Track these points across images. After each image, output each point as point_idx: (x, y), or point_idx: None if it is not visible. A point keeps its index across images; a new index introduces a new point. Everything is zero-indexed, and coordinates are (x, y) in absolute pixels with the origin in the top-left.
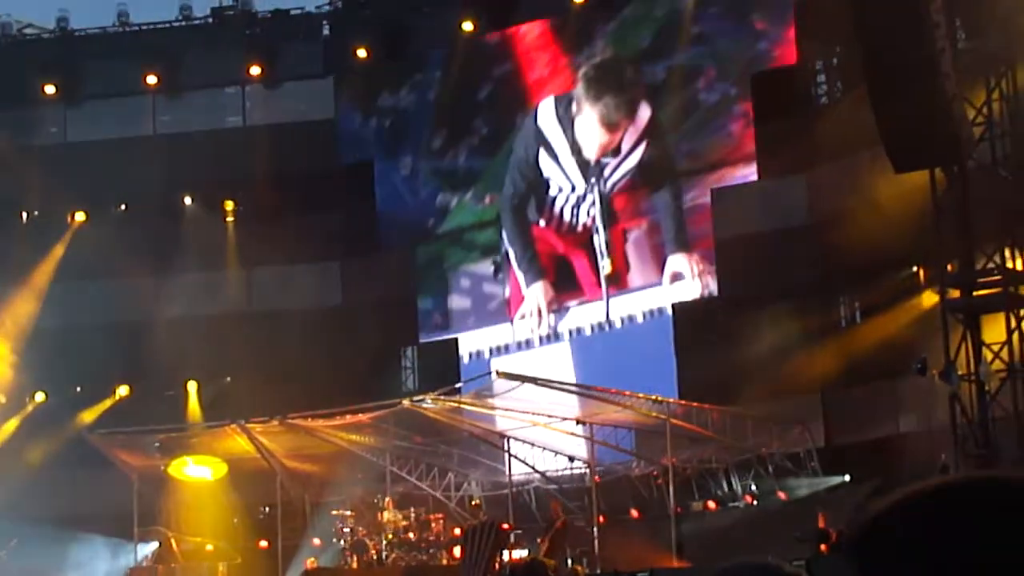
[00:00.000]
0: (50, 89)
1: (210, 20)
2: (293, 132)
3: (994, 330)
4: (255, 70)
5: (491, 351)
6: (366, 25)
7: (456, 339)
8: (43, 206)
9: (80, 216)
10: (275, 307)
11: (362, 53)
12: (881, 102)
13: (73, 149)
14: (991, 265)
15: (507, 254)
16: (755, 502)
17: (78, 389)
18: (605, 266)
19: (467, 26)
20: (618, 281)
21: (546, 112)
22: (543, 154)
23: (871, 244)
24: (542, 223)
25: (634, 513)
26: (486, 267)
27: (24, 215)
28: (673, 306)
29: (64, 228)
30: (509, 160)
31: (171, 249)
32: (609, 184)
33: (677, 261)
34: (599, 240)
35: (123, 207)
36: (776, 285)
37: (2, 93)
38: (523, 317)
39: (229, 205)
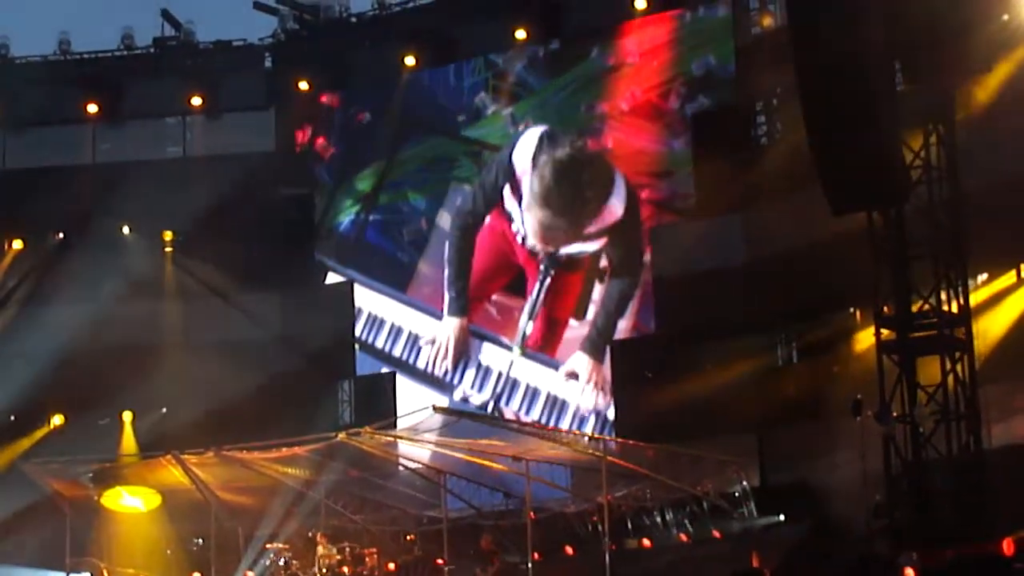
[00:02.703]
0: None
1: (152, 50)
2: (234, 163)
3: (929, 372)
4: (196, 101)
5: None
6: (308, 57)
7: (394, 373)
8: None
9: (17, 244)
10: (213, 338)
11: (304, 85)
12: (820, 144)
13: (11, 176)
14: (927, 307)
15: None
16: (690, 540)
17: (11, 418)
18: (524, 325)
19: (409, 60)
20: (550, 333)
21: (525, 148)
22: (508, 192)
23: (808, 284)
24: (513, 228)
25: (569, 550)
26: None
27: None
28: (612, 342)
29: (1, 256)
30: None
31: (108, 278)
32: (564, 254)
33: (580, 361)
34: (532, 297)
35: (61, 235)
36: (713, 323)
37: None
38: (431, 342)
39: (168, 235)
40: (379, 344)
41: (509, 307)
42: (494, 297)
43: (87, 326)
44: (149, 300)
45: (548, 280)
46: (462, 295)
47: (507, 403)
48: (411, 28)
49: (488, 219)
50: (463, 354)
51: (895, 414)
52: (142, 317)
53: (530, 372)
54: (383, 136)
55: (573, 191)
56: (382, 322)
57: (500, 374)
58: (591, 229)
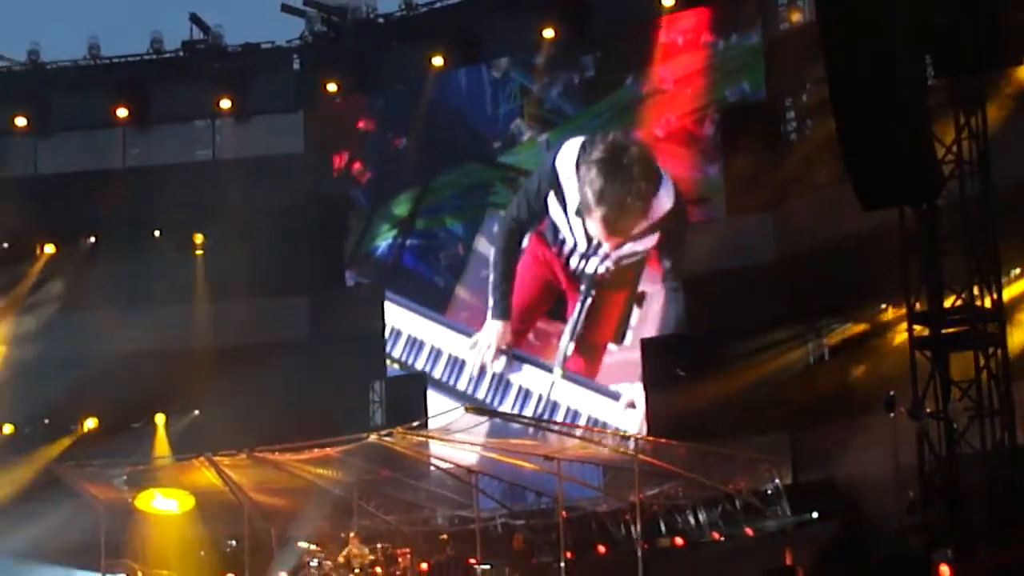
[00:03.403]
0: (21, 121)
1: (181, 54)
2: (263, 166)
3: (963, 367)
4: (225, 103)
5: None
6: (336, 59)
7: (424, 373)
8: (12, 238)
9: (49, 248)
10: (244, 341)
11: (332, 87)
12: (850, 139)
13: (43, 181)
14: (959, 302)
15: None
16: (722, 538)
17: (46, 421)
18: (565, 347)
19: (437, 60)
20: (591, 356)
21: (567, 156)
22: (552, 199)
23: (839, 281)
24: (555, 250)
25: (601, 549)
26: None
27: None
28: (642, 340)
29: (33, 260)
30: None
31: (140, 282)
32: (612, 258)
33: (638, 391)
34: (573, 317)
35: (92, 239)
36: (744, 321)
37: None
38: (475, 345)
39: (198, 238)
40: (418, 365)
41: (547, 332)
42: (536, 327)
43: (119, 330)
44: (180, 303)
45: (589, 302)
46: (506, 298)
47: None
48: (439, 28)
49: (527, 243)
50: (507, 355)
51: (928, 410)
52: (174, 320)
53: (570, 395)
54: (420, 161)
55: (625, 181)
56: (421, 344)
57: (540, 396)
58: (648, 221)
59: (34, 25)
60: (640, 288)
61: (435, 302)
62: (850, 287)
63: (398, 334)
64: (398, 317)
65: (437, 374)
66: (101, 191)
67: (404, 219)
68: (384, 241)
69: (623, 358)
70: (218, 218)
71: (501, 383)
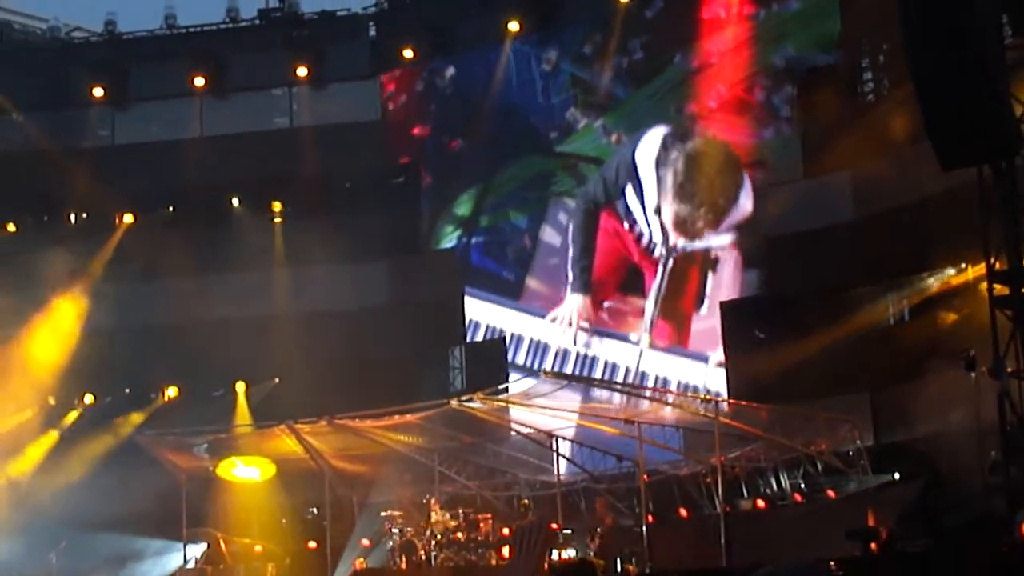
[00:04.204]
0: (98, 92)
1: (257, 22)
2: (340, 133)
3: None
4: (302, 71)
5: (531, 345)
6: (412, 26)
7: (503, 338)
8: (91, 208)
9: (128, 218)
10: (322, 307)
11: (408, 54)
12: (927, 99)
13: (121, 151)
14: None
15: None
16: (804, 500)
17: (127, 391)
18: (649, 312)
19: (513, 26)
20: (679, 327)
21: (648, 146)
22: (630, 190)
23: (918, 241)
24: (626, 226)
25: (683, 512)
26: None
27: (72, 217)
28: (721, 304)
29: (112, 230)
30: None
31: (218, 250)
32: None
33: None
34: (655, 285)
35: (171, 209)
36: (822, 282)
37: (51, 96)
38: (555, 320)
39: (276, 206)
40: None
41: (621, 308)
42: (606, 304)
43: (198, 298)
44: (259, 270)
45: (670, 264)
46: (587, 271)
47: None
48: None
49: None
50: (588, 331)
51: (1010, 369)
52: (253, 287)
53: (658, 363)
54: (478, 160)
55: (708, 180)
56: (501, 332)
57: (627, 369)
58: (726, 222)
59: None
60: (713, 253)
61: (508, 294)
62: (929, 246)
63: (476, 326)
64: (475, 309)
65: (520, 359)
66: (178, 161)
67: (467, 218)
68: (449, 242)
69: (706, 325)
70: (296, 185)
71: (587, 360)
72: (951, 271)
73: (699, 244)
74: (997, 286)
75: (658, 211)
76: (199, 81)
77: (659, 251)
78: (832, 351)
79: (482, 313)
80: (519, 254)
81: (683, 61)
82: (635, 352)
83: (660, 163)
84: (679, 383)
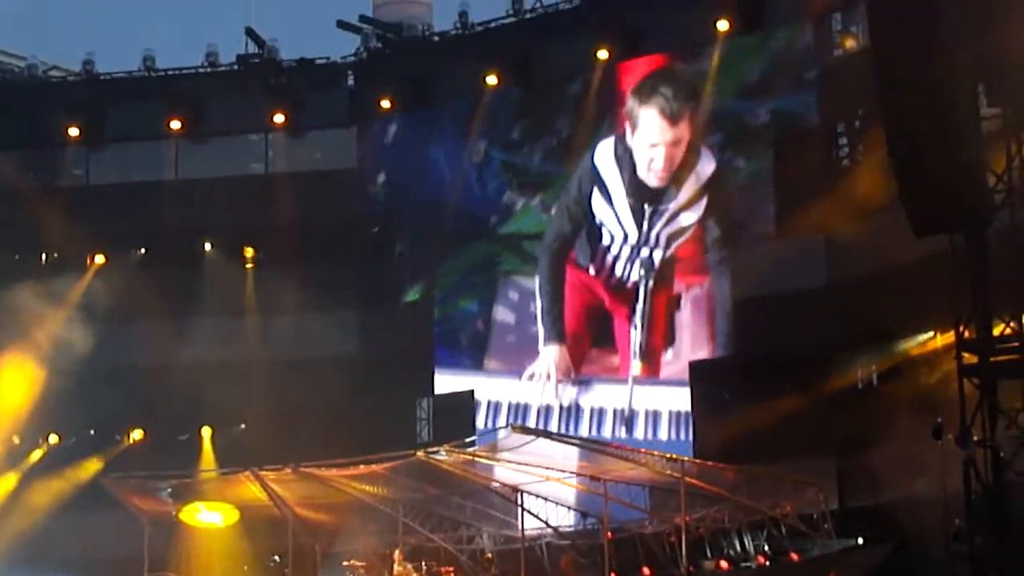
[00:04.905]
0: (74, 131)
1: (235, 67)
2: (315, 181)
3: (1010, 396)
4: (279, 118)
5: (510, 408)
6: (390, 76)
7: (472, 391)
8: (63, 247)
9: (99, 259)
10: (292, 355)
11: (386, 104)
12: (902, 166)
13: (95, 192)
14: (1008, 331)
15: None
16: (767, 563)
17: (92, 432)
18: (637, 339)
19: (491, 79)
20: (651, 360)
21: (604, 151)
22: (596, 195)
23: (890, 307)
24: (592, 271)
25: (646, 571)
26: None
27: (43, 256)
28: (690, 364)
29: (83, 270)
30: (558, 200)
31: (189, 294)
32: (664, 236)
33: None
34: (639, 308)
35: (143, 251)
36: (793, 346)
37: (27, 134)
38: (531, 377)
39: (249, 252)
40: (479, 424)
41: (600, 356)
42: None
43: (168, 341)
44: (230, 316)
45: (650, 285)
46: (559, 321)
47: (630, 432)
48: (493, 47)
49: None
50: (566, 379)
51: (976, 438)
52: (223, 333)
53: (648, 398)
54: (420, 258)
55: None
56: (477, 403)
57: (615, 411)
58: (691, 185)
59: (90, 36)
60: (674, 290)
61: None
62: (901, 314)
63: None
64: (445, 384)
65: (501, 423)
66: (152, 203)
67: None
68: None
69: (676, 368)
70: (269, 232)
71: (572, 412)
72: (921, 338)
73: (681, 220)
74: (966, 354)
75: (633, 191)
76: (175, 124)
77: (636, 274)
78: (800, 414)
79: (452, 386)
80: (473, 339)
81: (608, 131)
82: (624, 391)
83: (619, 158)
84: (670, 412)
